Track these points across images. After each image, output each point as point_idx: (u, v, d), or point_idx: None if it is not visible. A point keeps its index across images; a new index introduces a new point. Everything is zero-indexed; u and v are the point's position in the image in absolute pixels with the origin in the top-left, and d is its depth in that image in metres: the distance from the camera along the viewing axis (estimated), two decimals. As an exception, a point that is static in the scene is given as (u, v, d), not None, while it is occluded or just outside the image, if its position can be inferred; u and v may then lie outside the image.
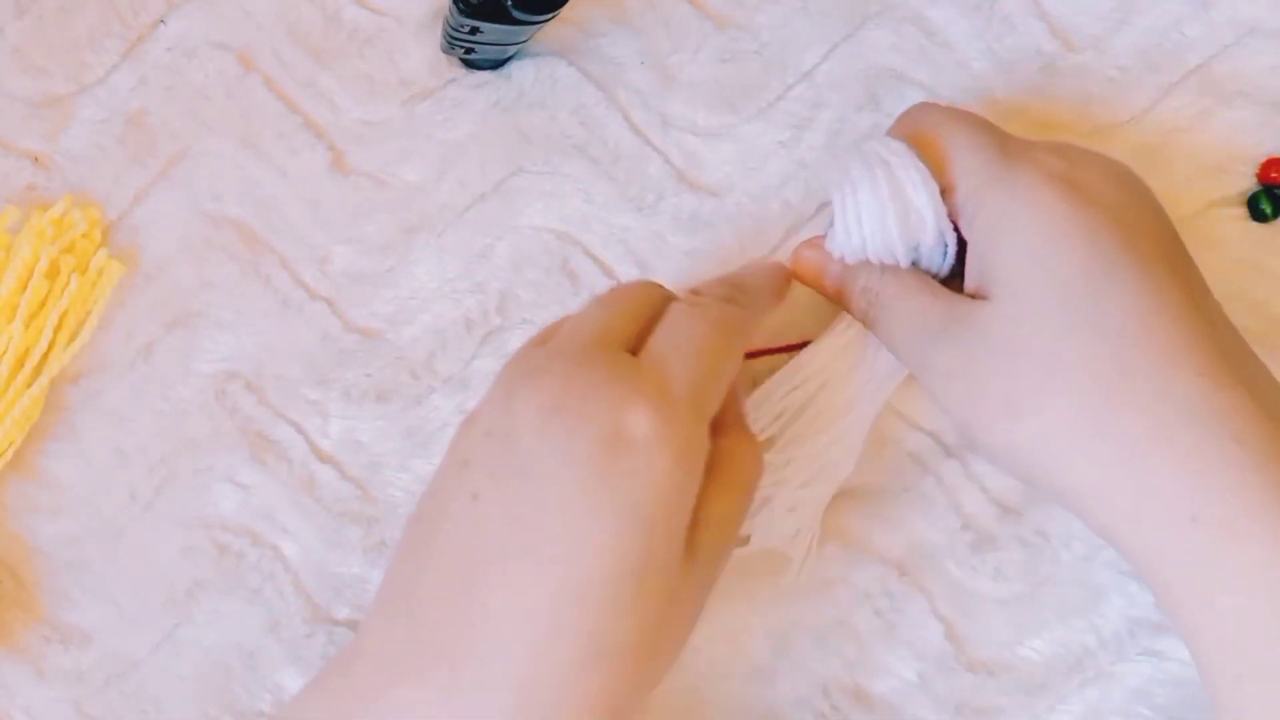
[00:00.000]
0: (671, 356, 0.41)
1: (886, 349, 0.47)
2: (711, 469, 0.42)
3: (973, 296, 0.45)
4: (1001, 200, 0.44)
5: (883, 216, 0.46)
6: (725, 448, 0.43)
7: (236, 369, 0.51)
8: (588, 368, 0.40)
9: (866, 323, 0.47)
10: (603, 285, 0.51)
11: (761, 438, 0.49)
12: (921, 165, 0.46)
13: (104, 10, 0.51)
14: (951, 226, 0.46)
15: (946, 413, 0.45)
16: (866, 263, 0.47)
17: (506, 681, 0.38)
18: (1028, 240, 0.43)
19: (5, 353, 0.49)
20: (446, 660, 0.39)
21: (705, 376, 0.41)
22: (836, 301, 0.48)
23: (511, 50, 0.51)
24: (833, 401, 0.49)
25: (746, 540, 0.50)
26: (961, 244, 0.46)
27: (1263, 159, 0.52)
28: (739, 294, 0.45)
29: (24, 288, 0.50)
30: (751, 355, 0.49)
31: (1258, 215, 0.52)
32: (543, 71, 0.52)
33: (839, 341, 0.49)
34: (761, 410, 0.49)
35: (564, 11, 0.46)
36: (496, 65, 0.52)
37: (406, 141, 0.51)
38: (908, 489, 0.51)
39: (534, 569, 0.38)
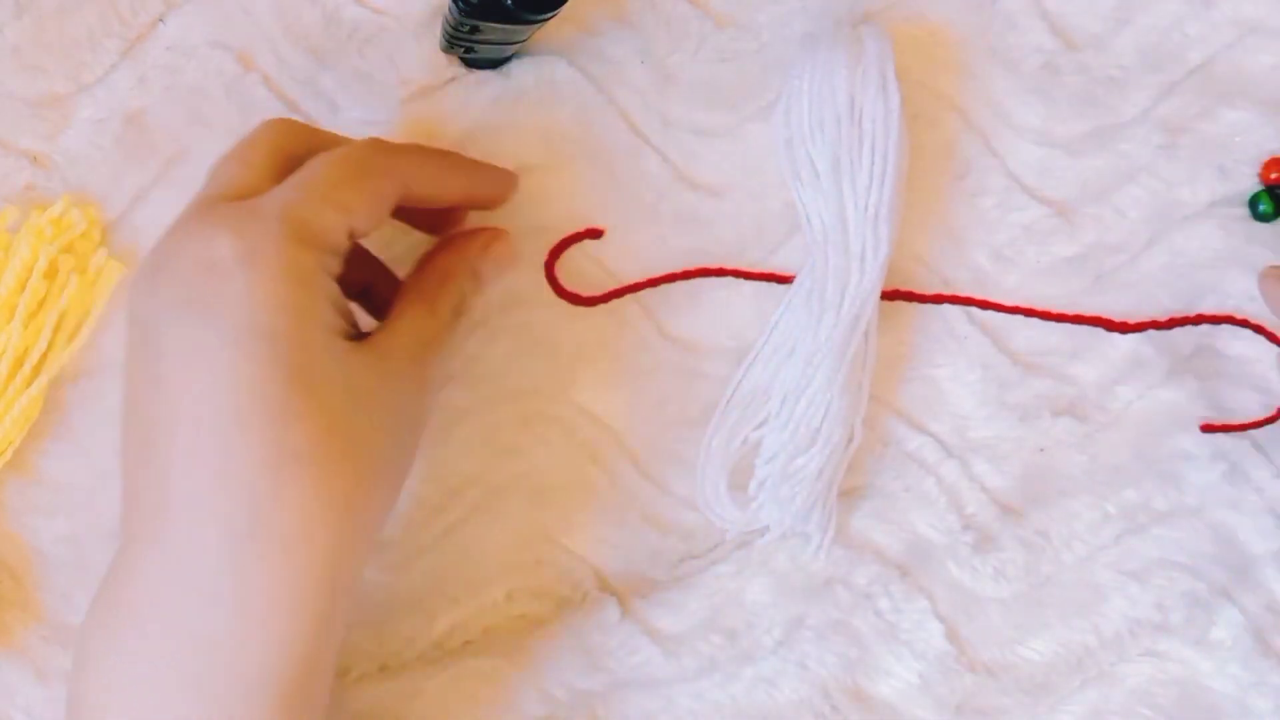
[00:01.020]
0: (276, 190, 0.41)
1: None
2: (404, 290, 0.45)
3: None
4: None
5: (827, 101, 0.47)
6: (416, 274, 0.46)
7: (236, 369, 0.51)
8: (181, 222, 0.41)
9: None
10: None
11: (752, 419, 0.49)
12: (890, 71, 0.47)
13: (103, 10, 0.51)
14: (893, 153, 0.47)
15: None
16: None
17: (204, 519, 0.39)
18: None
19: (4, 353, 0.49)
20: (154, 523, 0.39)
21: (311, 200, 0.41)
22: None
23: (511, 50, 0.51)
24: (801, 361, 0.49)
25: (765, 530, 0.50)
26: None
27: (1264, 159, 0.52)
28: (396, 146, 0.45)
29: (23, 287, 0.50)
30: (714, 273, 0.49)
31: (1258, 215, 0.52)
32: (542, 71, 0.51)
33: (793, 304, 0.49)
34: (744, 394, 0.49)
35: (564, 11, 0.46)
36: (496, 64, 0.52)
37: (406, 141, 0.51)
38: (908, 489, 0.51)
39: (186, 412, 0.38)
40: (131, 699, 0.39)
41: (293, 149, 0.44)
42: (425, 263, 0.47)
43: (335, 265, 0.42)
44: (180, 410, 0.39)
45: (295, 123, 0.45)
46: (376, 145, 0.44)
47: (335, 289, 0.41)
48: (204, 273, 0.39)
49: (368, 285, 0.48)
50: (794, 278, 0.50)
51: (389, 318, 0.44)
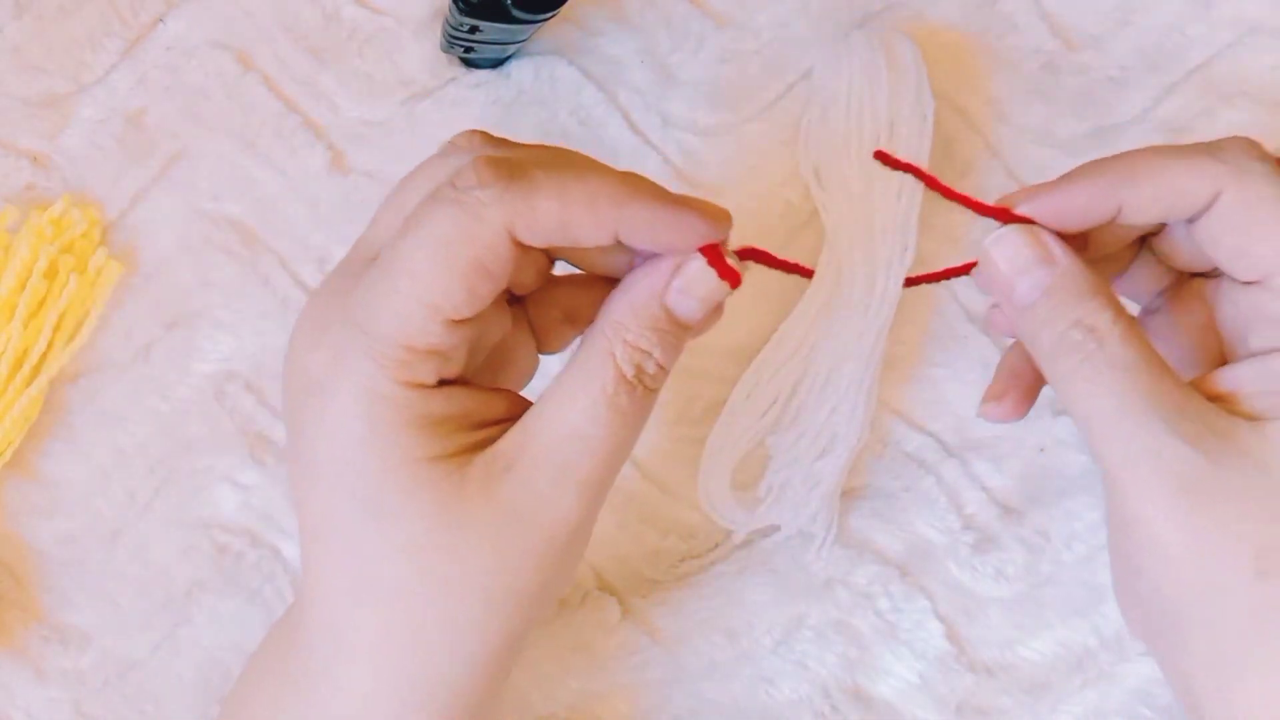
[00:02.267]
0: (369, 278, 0.36)
1: (1079, 409, 0.38)
2: (570, 368, 0.37)
3: (1228, 406, 0.37)
4: None
5: (866, 111, 0.47)
6: (579, 364, 0.37)
7: (236, 369, 0.51)
8: (326, 283, 0.37)
9: (1060, 369, 0.38)
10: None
11: (763, 422, 0.49)
12: (924, 81, 0.47)
13: (103, 10, 0.51)
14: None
15: (1149, 527, 0.36)
16: (1092, 294, 0.37)
17: (308, 623, 0.38)
18: None
19: (4, 352, 0.49)
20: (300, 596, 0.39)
21: (391, 306, 0.35)
22: (1017, 325, 0.39)
23: (511, 49, 0.51)
24: (822, 370, 0.49)
25: (776, 529, 0.50)
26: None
27: (1264, 158, 0.52)
28: (515, 199, 0.35)
29: (23, 287, 0.50)
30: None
31: (1259, 215, 0.52)
32: (542, 70, 0.52)
33: (810, 310, 0.49)
34: (755, 398, 0.49)
35: (564, 10, 0.46)
36: (496, 64, 0.52)
37: (406, 141, 0.51)
38: (908, 489, 0.51)
39: (297, 494, 0.37)
40: None
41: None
42: (597, 320, 0.38)
43: (436, 367, 0.36)
44: (296, 496, 0.38)
45: (483, 143, 0.38)
46: (485, 201, 0.35)
47: (430, 404, 0.36)
48: (301, 383, 0.36)
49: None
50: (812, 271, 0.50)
51: (532, 409, 0.37)
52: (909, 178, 0.48)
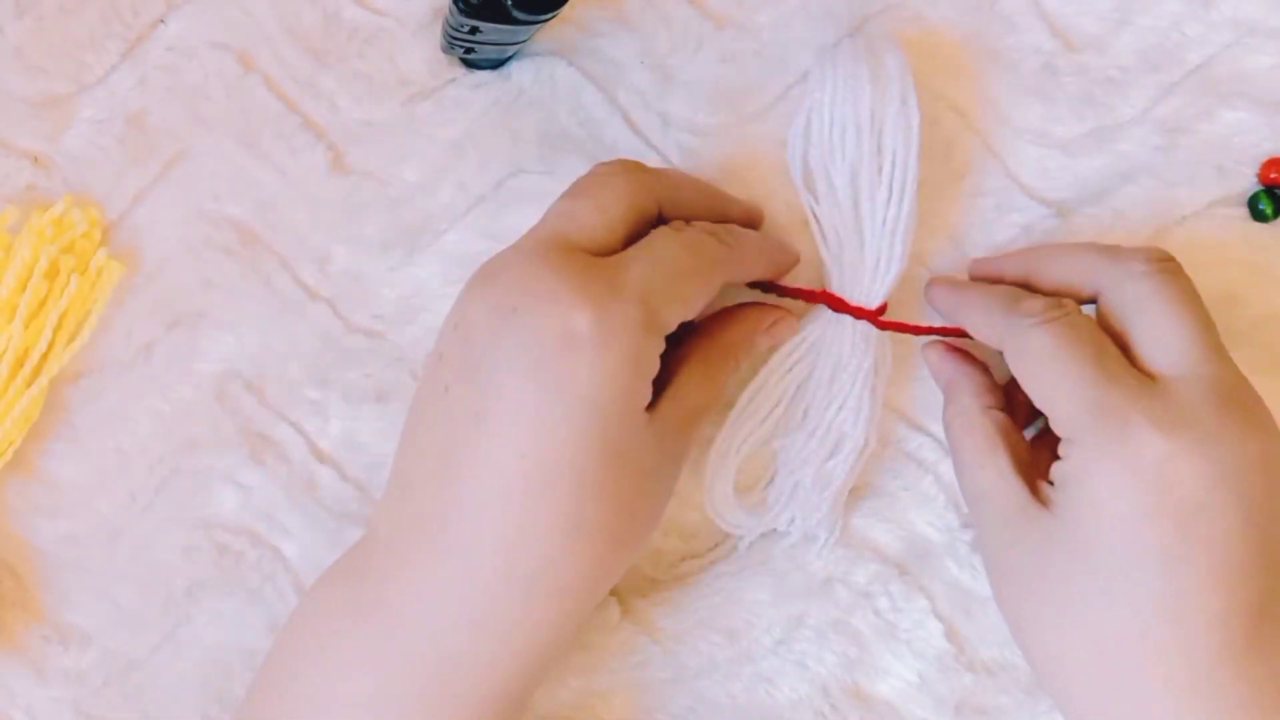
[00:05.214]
0: (635, 266, 0.43)
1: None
2: (687, 360, 0.46)
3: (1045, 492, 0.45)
4: (1105, 461, 0.43)
5: (849, 117, 0.47)
6: (700, 345, 0.47)
7: (236, 369, 0.51)
8: (540, 267, 0.42)
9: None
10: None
11: (767, 425, 0.49)
12: (910, 87, 0.48)
13: (104, 10, 0.51)
14: (912, 173, 0.48)
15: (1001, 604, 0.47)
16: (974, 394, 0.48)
17: (493, 559, 0.41)
18: (1118, 509, 0.42)
19: (5, 353, 0.49)
20: (440, 541, 0.42)
21: (665, 290, 0.43)
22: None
23: (511, 50, 0.51)
24: (825, 370, 0.49)
25: (771, 533, 0.50)
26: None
27: (1263, 159, 0.52)
28: (727, 236, 0.46)
29: (24, 288, 0.50)
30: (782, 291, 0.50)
31: (1258, 215, 0.52)
32: (542, 71, 0.52)
33: (810, 314, 0.50)
34: (759, 401, 0.49)
35: (564, 11, 0.46)
36: (496, 65, 0.52)
37: (406, 141, 0.51)
38: (908, 488, 0.51)
39: (503, 459, 0.41)
40: (358, 689, 0.42)
41: (645, 206, 0.45)
42: (713, 330, 0.48)
43: (663, 346, 0.43)
44: (495, 454, 0.41)
45: (646, 175, 0.46)
46: (716, 237, 0.46)
47: (657, 366, 0.43)
48: (561, 341, 0.41)
49: None
50: (810, 291, 0.50)
51: (673, 384, 0.45)
52: (896, 183, 0.48)
